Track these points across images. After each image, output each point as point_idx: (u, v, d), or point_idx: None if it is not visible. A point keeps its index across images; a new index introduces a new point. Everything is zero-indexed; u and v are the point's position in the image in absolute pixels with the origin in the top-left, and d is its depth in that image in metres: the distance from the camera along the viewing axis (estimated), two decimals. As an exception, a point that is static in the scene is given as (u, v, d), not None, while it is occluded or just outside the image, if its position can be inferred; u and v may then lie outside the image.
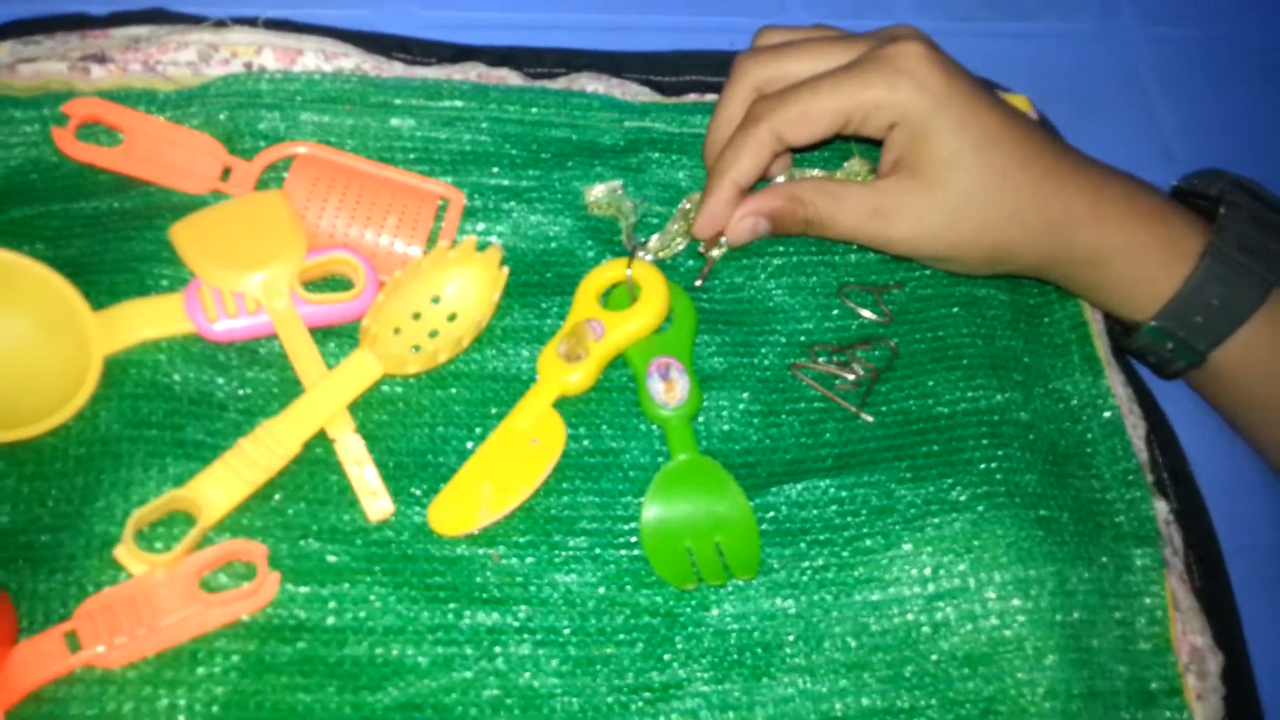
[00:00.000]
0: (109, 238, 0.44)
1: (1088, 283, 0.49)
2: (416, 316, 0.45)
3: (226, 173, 0.46)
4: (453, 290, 0.45)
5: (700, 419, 0.47)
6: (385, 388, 0.45)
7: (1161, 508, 0.49)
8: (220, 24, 0.48)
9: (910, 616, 0.44)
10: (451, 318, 0.45)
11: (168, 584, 0.38)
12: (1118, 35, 0.64)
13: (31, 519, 0.39)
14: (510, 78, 0.52)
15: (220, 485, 0.40)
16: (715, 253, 0.50)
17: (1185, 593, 0.47)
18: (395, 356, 0.44)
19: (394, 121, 0.49)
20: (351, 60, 0.50)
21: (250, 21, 0.48)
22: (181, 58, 0.48)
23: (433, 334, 0.45)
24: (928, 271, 0.51)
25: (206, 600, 0.38)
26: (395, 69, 0.50)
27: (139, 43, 0.47)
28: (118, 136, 0.46)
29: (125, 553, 0.38)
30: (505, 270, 0.46)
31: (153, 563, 0.38)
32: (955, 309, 0.51)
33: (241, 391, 0.43)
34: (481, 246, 0.47)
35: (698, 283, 0.49)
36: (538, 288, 0.48)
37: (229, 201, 0.45)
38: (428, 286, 0.45)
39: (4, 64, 0.45)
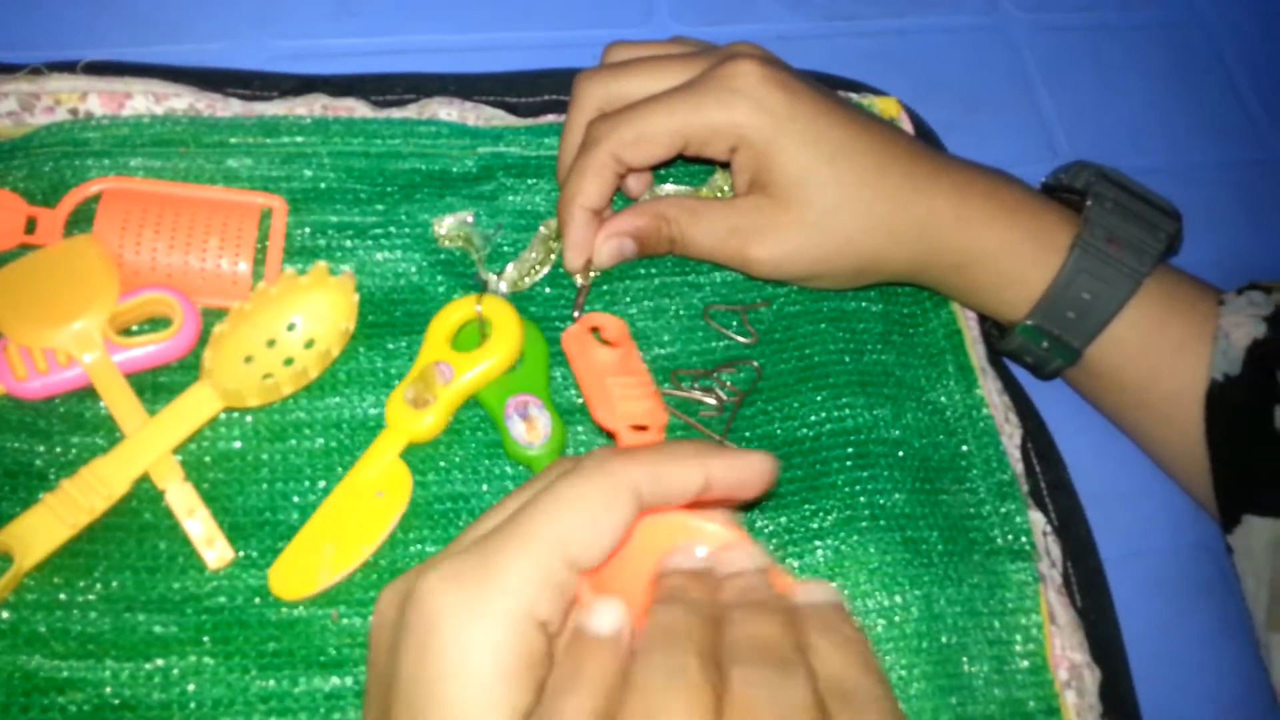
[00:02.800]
0: (-76, 303, 0.43)
1: (958, 285, 0.48)
2: (271, 344, 0.43)
3: (32, 224, 0.44)
4: (304, 318, 0.44)
5: (566, 454, 0.45)
6: (221, 444, 0.43)
7: (1038, 519, 0.48)
8: (36, 71, 0.46)
9: (775, 650, 0.43)
10: (309, 344, 0.44)
11: None
12: (1000, 27, 0.63)
13: None
14: (358, 108, 0.50)
15: (39, 527, 0.39)
16: (587, 280, 0.48)
17: (1064, 607, 0.46)
18: (233, 390, 0.42)
19: (230, 162, 0.47)
20: (184, 100, 0.48)
21: (69, 67, 0.46)
22: (1, 108, 0.46)
23: (288, 361, 0.43)
24: (795, 288, 0.50)
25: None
26: (232, 106, 0.49)
27: (-50, 94, 0.45)
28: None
29: None
30: (357, 297, 0.44)
31: None
32: (824, 325, 0.49)
33: (65, 458, 0.41)
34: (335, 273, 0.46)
35: (575, 313, 0.47)
36: (385, 328, 0.46)
37: (36, 253, 0.43)
38: (279, 313, 0.44)
39: None
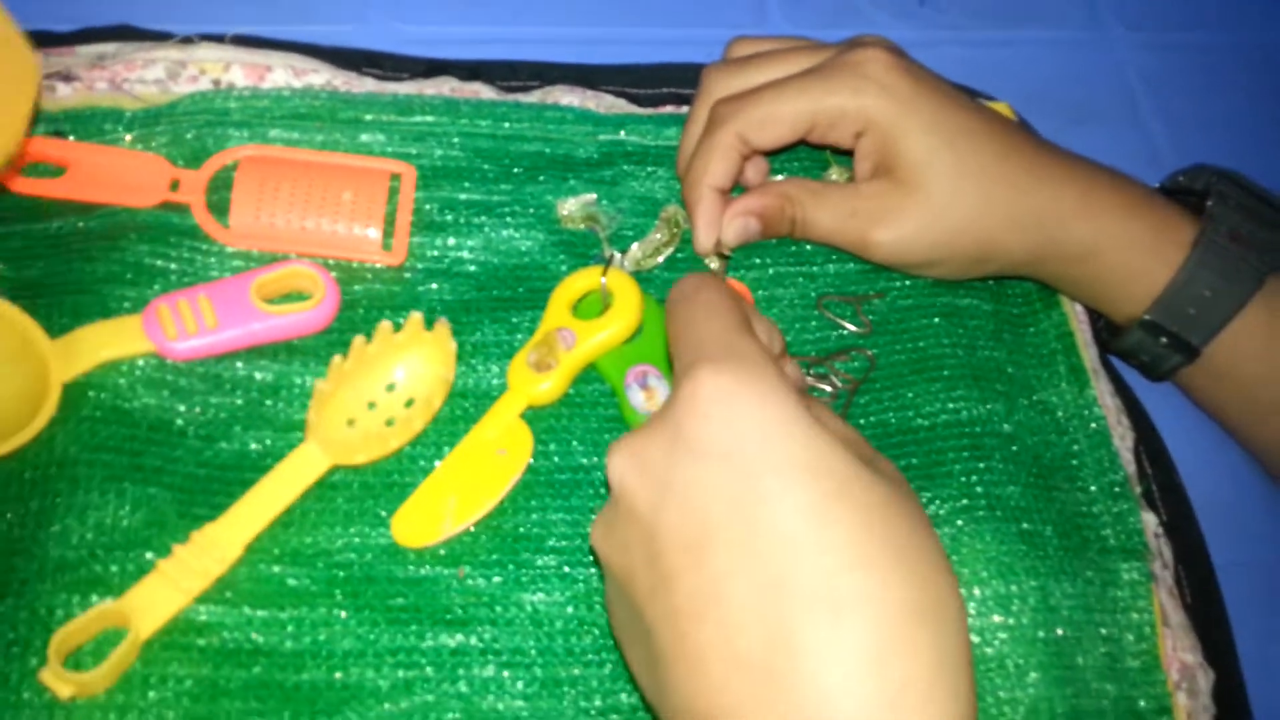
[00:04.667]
0: (72, 258, 0.44)
1: (1078, 278, 0.48)
2: (372, 406, 0.43)
3: (175, 185, 0.46)
4: (403, 374, 0.43)
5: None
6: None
7: (1150, 520, 0.48)
8: (187, 40, 0.48)
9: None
10: (409, 403, 0.43)
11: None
12: (1104, 42, 0.63)
13: (-15, 543, 0.39)
14: (483, 91, 0.51)
15: (156, 597, 0.38)
16: (717, 264, 0.49)
17: (1175, 608, 0.46)
18: (342, 445, 0.42)
19: (364, 137, 0.49)
20: (321, 76, 0.49)
21: (217, 38, 0.48)
22: (149, 75, 0.48)
23: (389, 422, 0.43)
24: (908, 281, 0.50)
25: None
26: (366, 85, 0.50)
27: (105, 60, 0.46)
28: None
29: (50, 676, 0.36)
30: (454, 345, 0.44)
31: (80, 683, 0.36)
32: (936, 319, 0.50)
33: (203, 417, 0.42)
34: (429, 321, 0.45)
35: None
36: (509, 302, 0.47)
37: None
38: (379, 373, 0.43)
39: (-34, 84, 0.45)
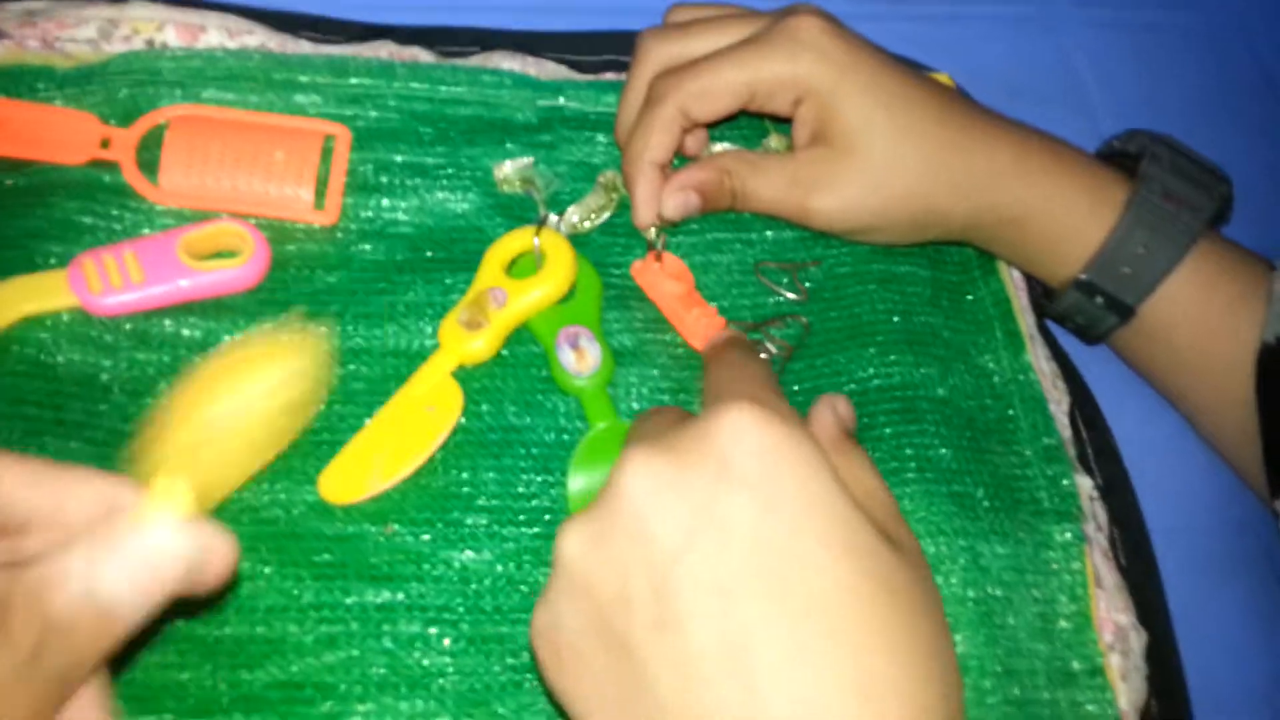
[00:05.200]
0: (-2, 214, 0.44)
1: (1013, 240, 0.48)
2: (223, 428, 0.34)
3: (105, 143, 0.45)
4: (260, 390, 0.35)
5: (610, 395, 0.46)
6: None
7: (1085, 483, 0.48)
8: (119, -2, 0.47)
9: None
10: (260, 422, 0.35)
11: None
12: (1050, 19, 0.64)
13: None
14: (422, 56, 0.51)
15: None
16: (661, 235, 0.48)
17: (1109, 570, 0.46)
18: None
19: (299, 98, 0.48)
20: (256, 38, 0.49)
21: (151, -5, 0.48)
22: (81, 34, 0.47)
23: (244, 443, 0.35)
24: (845, 248, 0.50)
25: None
26: (302, 47, 0.50)
27: (35, 16, 0.46)
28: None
29: None
30: (326, 349, 0.42)
31: None
32: (873, 286, 0.50)
33: (130, 373, 0.42)
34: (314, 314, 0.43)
35: (658, 266, 0.48)
36: (443, 263, 0.47)
37: None
38: (233, 392, 0.35)
39: (-108, 37, 0.45)
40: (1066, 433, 0.49)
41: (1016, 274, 0.52)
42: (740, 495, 0.29)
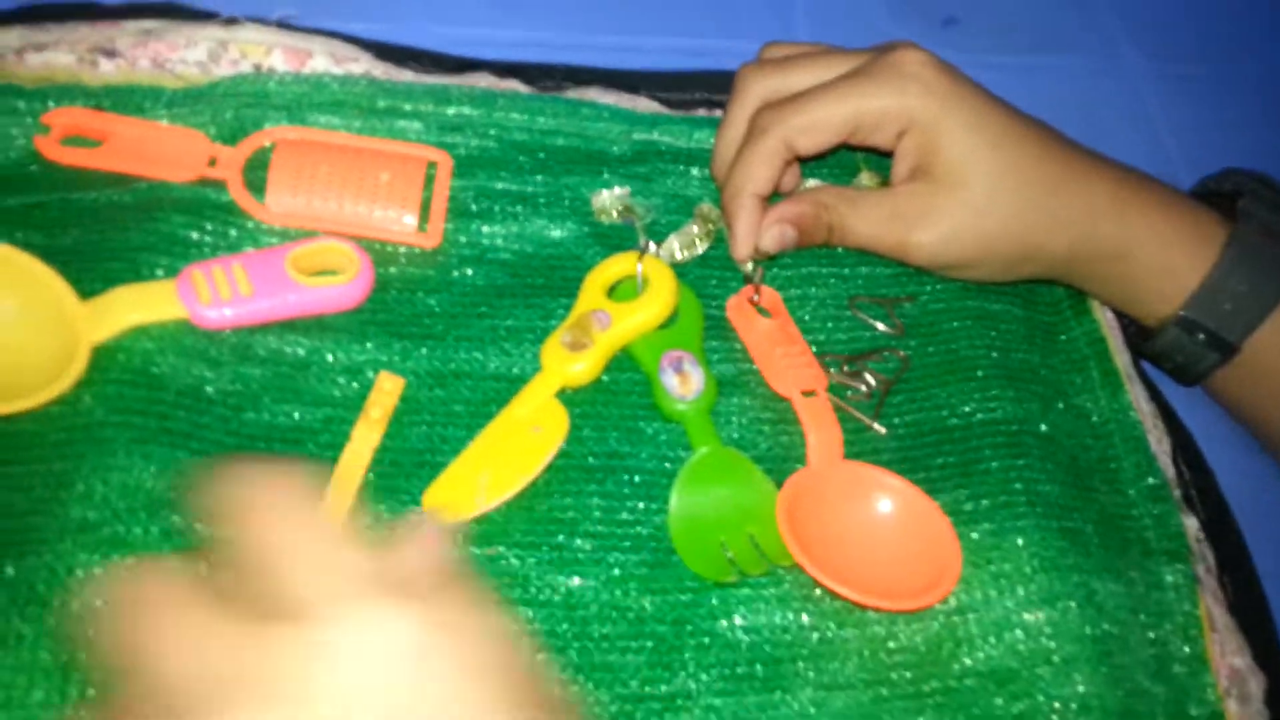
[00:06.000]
0: (105, 229, 0.44)
1: (1110, 277, 0.48)
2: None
3: (212, 162, 0.46)
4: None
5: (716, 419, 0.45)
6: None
7: (1191, 524, 0.47)
8: (232, 21, 0.48)
9: (931, 631, 0.42)
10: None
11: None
12: (1123, 70, 0.64)
13: (4, 504, 0.37)
14: (519, 89, 0.52)
15: None
16: (759, 269, 0.48)
17: (1221, 611, 0.45)
18: None
19: (401, 124, 0.49)
20: (361, 65, 0.50)
21: (263, 20, 0.48)
22: (191, 56, 0.47)
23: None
24: (940, 285, 0.50)
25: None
26: (405, 76, 0.50)
27: (149, 35, 0.46)
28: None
29: None
30: None
31: None
32: (969, 321, 0.49)
33: (233, 387, 0.41)
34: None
35: (755, 297, 0.47)
36: (542, 289, 0.47)
37: None
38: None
39: (12, 49, 0.45)
40: (1169, 473, 0.48)
41: (1109, 314, 0.52)
42: None
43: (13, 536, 0.37)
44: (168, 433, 0.39)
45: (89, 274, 0.42)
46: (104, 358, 0.40)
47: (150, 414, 0.39)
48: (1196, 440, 0.50)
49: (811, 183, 0.52)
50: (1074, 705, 0.40)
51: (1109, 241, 0.47)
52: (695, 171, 0.51)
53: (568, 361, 0.43)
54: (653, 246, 0.48)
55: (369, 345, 0.44)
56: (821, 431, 0.44)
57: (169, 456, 0.39)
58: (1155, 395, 0.50)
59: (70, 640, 0.35)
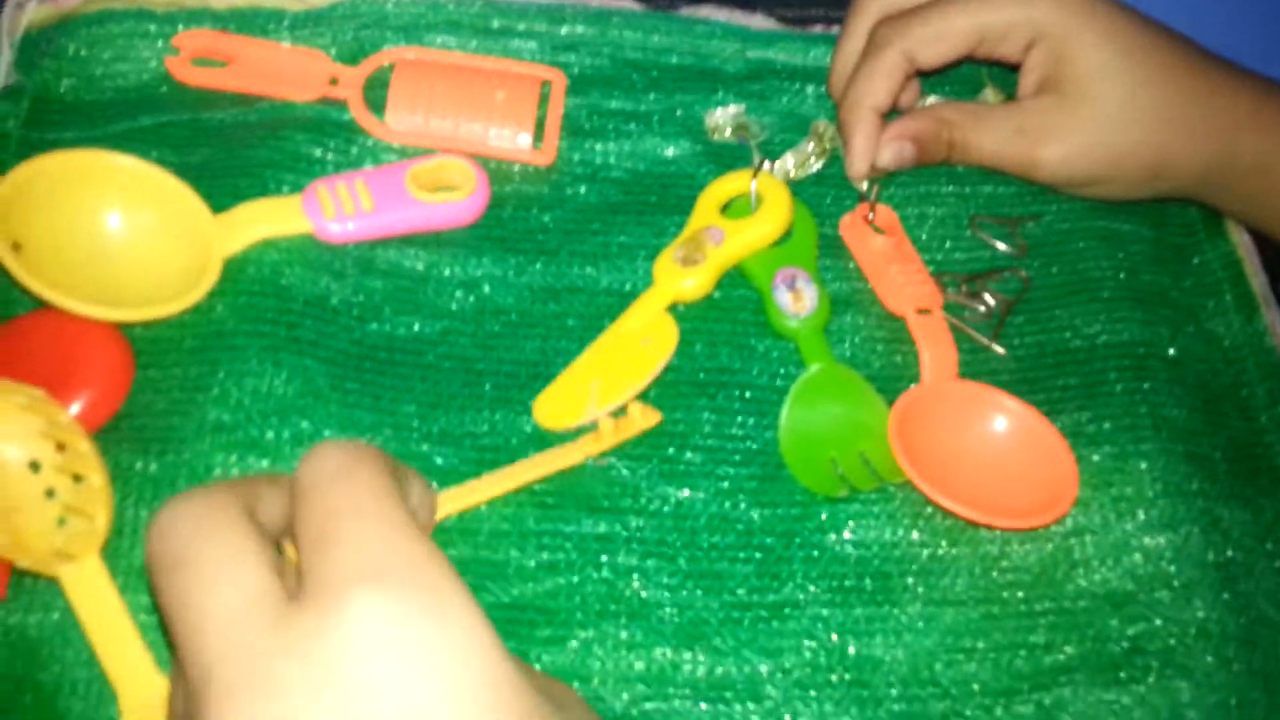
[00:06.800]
0: (234, 146, 0.45)
1: (1251, 193, 0.45)
2: (50, 494, 0.36)
3: (334, 81, 0.47)
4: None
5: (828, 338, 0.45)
6: (499, 298, 0.44)
7: (1328, 455, 0.45)
8: (350, -57, 0.48)
9: (1046, 552, 0.41)
10: (77, 479, 0.36)
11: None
12: None
13: (145, 404, 0.40)
14: (632, 8, 0.51)
15: None
16: (875, 186, 0.47)
17: (1356, 545, 0.43)
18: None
19: (515, 44, 0.49)
20: (475, -14, 0.50)
21: (379, -57, 0.49)
22: (310, -21, 0.48)
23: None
24: (1066, 204, 0.48)
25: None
26: (517, -3, 0.50)
27: (270, -39, 0.47)
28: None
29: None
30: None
31: None
32: (1095, 242, 0.48)
33: (356, 298, 0.43)
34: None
35: (871, 215, 0.47)
36: (655, 207, 0.47)
37: None
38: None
39: (143, -27, 0.47)
40: (1306, 401, 0.46)
41: (1245, 236, 0.50)
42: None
43: (154, 434, 0.39)
44: (296, 341, 0.41)
45: (219, 190, 0.43)
46: (235, 269, 0.42)
47: (280, 323, 0.41)
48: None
49: (932, 99, 0.51)
50: (1192, 630, 0.39)
51: (1250, 155, 0.44)
52: (811, 89, 0.50)
53: (680, 276, 0.43)
54: (767, 164, 0.47)
55: (484, 260, 0.44)
56: (936, 348, 0.43)
57: (297, 364, 0.40)
58: (1294, 319, 0.48)
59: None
